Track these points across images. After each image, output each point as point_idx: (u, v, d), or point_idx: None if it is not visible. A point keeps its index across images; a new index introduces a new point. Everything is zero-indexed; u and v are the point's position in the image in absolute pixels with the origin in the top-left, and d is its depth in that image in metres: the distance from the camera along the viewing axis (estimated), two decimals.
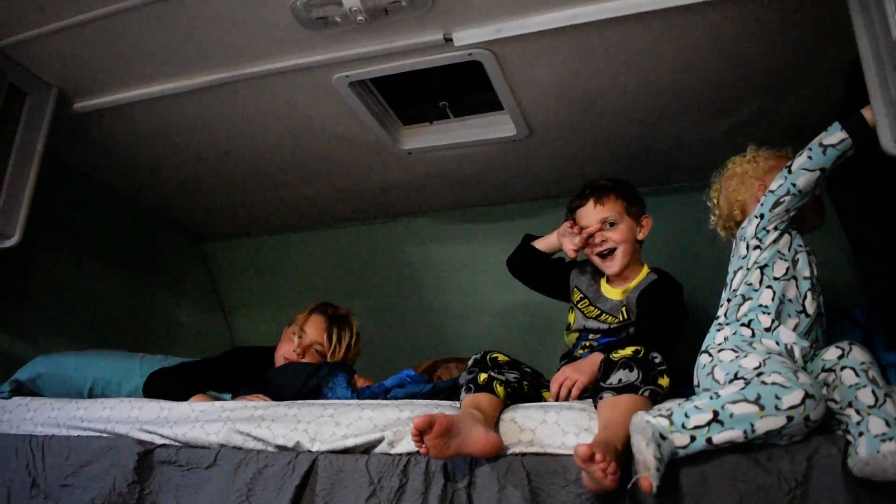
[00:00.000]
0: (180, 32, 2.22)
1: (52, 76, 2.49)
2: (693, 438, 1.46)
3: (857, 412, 1.45)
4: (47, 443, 2.13)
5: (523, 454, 1.62)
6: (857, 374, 1.51)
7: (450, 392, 2.07)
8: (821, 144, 1.71)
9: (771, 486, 1.41)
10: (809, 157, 1.72)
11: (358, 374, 2.39)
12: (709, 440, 1.45)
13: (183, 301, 3.78)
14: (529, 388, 1.93)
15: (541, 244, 2.36)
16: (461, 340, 3.37)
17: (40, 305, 2.90)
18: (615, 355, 1.73)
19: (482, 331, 3.39)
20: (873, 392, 1.47)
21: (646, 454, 1.42)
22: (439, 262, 3.55)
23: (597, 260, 2.25)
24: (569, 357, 2.23)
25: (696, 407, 1.50)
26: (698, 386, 1.71)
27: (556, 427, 1.64)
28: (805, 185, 1.73)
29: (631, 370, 1.68)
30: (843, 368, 1.54)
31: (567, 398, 1.87)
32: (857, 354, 1.57)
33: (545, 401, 1.92)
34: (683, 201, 3.09)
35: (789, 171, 1.75)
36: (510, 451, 1.64)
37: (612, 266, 2.22)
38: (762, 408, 1.42)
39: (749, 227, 1.83)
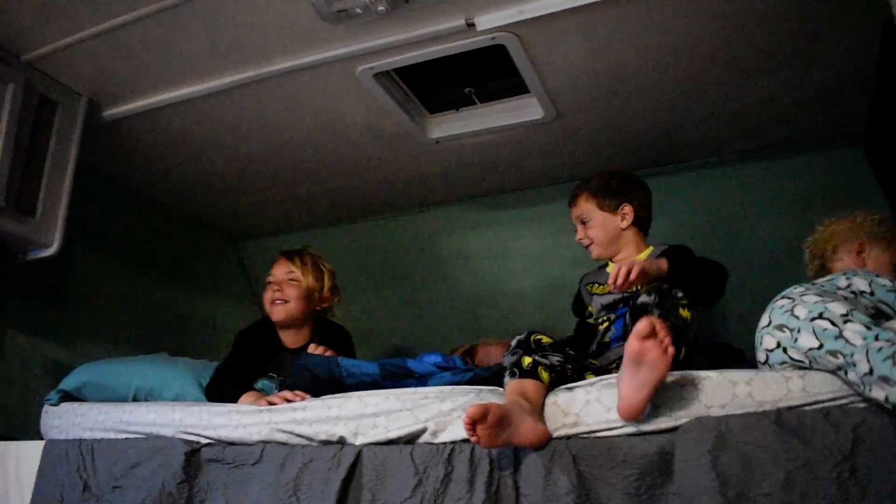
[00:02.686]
0: (202, 34, 2.23)
1: (80, 86, 2.53)
2: None
3: None
4: (96, 446, 2.16)
5: (568, 437, 1.61)
6: None
7: (490, 380, 2.05)
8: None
9: (817, 461, 1.38)
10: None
11: None
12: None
13: (220, 302, 3.81)
14: (572, 371, 1.88)
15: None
16: (496, 327, 3.36)
17: (82, 313, 2.94)
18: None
19: (517, 317, 3.38)
20: None
21: None
22: (471, 250, 3.54)
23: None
24: (596, 342, 2.25)
25: None
26: (769, 325, 1.67)
27: (599, 405, 1.62)
28: None
29: (649, 295, 1.82)
30: None
31: (626, 281, 1.93)
32: None
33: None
34: (712, 176, 3.06)
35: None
36: (555, 435, 1.62)
37: (591, 253, 2.40)
38: None
39: (861, 284, 1.76)
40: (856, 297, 1.69)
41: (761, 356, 1.68)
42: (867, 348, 1.38)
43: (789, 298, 1.65)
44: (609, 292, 2.28)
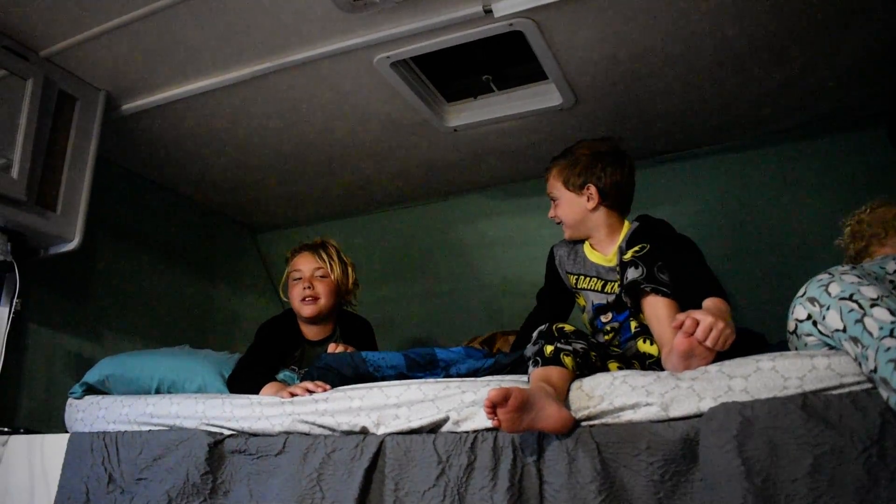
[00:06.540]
0: (219, 26, 2.23)
1: (99, 80, 2.54)
2: None
3: None
4: (120, 438, 2.18)
5: (592, 424, 1.60)
6: None
7: (512, 367, 2.04)
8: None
9: (845, 446, 1.34)
10: None
11: None
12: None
13: (241, 294, 3.83)
14: (597, 358, 1.86)
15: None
16: (518, 316, 3.34)
17: (104, 306, 2.97)
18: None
19: None
20: None
21: None
22: (491, 238, 3.53)
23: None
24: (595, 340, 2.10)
25: None
26: (803, 295, 1.62)
27: (625, 394, 1.60)
28: None
29: (636, 268, 1.90)
30: None
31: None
32: None
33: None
34: (730, 161, 3.03)
35: None
36: (579, 416, 1.61)
37: (564, 233, 2.26)
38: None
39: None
40: None
41: (791, 325, 1.65)
42: (878, 345, 1.36)
43: (829, 274, 1.61)
44: (602, 290, 2.13)
